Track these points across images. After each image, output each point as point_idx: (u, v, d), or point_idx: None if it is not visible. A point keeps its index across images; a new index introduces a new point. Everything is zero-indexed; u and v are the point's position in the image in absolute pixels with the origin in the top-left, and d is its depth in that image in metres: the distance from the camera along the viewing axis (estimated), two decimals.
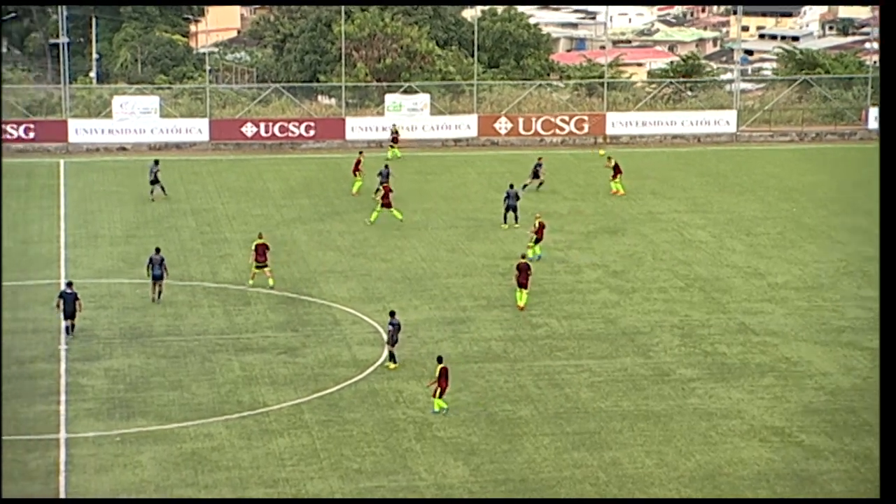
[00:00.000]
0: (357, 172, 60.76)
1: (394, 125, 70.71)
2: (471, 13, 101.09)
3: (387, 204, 54.83)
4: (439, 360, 35.97)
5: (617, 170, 60.55)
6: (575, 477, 32.00)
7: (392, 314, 39.06)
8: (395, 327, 38.67)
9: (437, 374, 35.51)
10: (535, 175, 61.02)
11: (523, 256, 45.72)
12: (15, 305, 43.67)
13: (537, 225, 49.92)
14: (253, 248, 46.21)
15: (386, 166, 59.68)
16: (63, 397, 36.01)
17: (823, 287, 47.34)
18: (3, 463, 31.75)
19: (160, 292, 44.18)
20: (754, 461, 32.91)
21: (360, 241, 52.73)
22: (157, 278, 44.07)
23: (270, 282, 46.00)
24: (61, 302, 40.79)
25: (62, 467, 31.85)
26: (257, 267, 45.71)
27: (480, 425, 34.82)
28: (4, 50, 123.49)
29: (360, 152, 64.43)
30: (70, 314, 40.68)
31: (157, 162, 60.48)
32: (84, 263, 48.98)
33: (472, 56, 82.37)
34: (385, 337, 39.31)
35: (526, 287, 44.16)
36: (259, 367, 38.64)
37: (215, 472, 31.89)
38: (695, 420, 35.28)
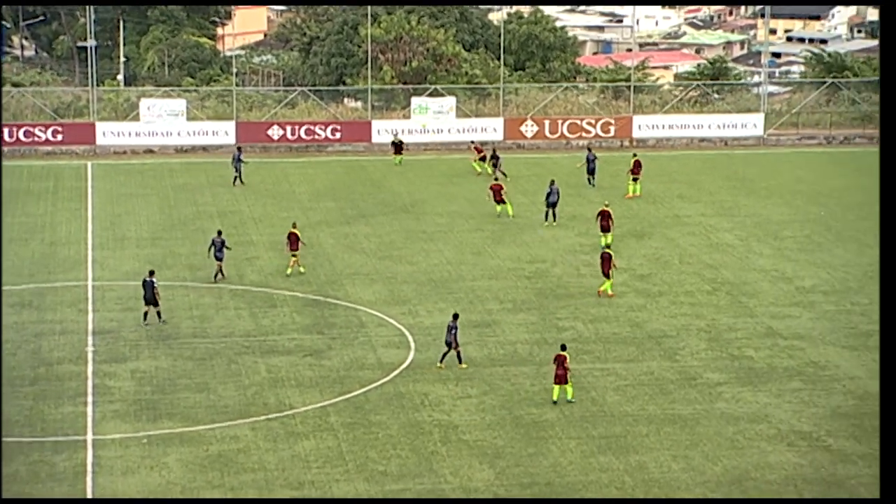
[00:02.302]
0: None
1: (396, 134, 70.48)
2: (497, 16, 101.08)
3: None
4: (562, 347, 36.56)
5: (636, 169, 60.42)
6: (601, 481, 31.89)
7: (455, 317, 39.13)
8: (455, 330, 38.73)
9: (556, 361, 36.09)
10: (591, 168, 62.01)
11: (608, 247, 47.71)
12: (42, 307, 43.87)
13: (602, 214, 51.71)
14: (287, 237, 47.95)
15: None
16: (90, 399, 36.12)
17: (851, 291, 47.08)
18: (31, 464, 31.90)
19: (220, 273, 46.67)
20: (781, 466, 32.74)
21: (386, 244, 52.74)
22: (218, 259, 46.60)
23: (301, 269, 47.78)
24: (142, 291, 42.39)
25: (89, 469, 31.94)
26: (292, 256, 47.91)
27: (506, 428, 34.76)
28: (32, 53, 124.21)
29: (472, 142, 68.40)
30: (150, 300, 41.89)
31: (240, 149, 63.33)
32: (111, 265, 49.15)
33: (499, 59, 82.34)
34: (447, 338, 38.99)
35: (608, 276, 45.63)
36: (285, 370, 38.69)
37: (241, 474, 31.94)
38: (722, 424, 35.12)
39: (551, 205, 55.64)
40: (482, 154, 66.22)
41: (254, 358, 39.67)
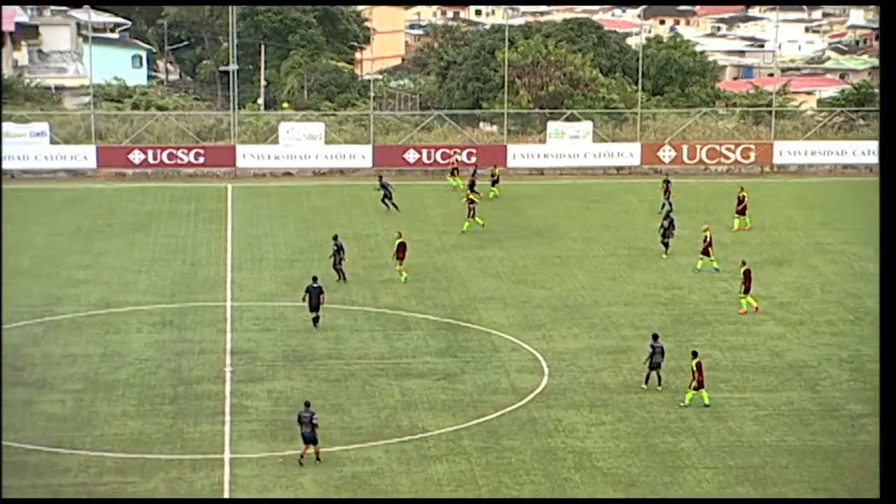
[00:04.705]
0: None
1: (454, 157, 70.28)
2: (635, 40, 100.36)
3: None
4: (694, 354, 37.44)
5: (742, 204, 59.09)
6: None
7: (655, 337, 38.98)
8: (657, 350, 38.67)
9: (694, 367, 36.99)
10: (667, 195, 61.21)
11: (743, 263, 47.52)
12: (183, 326, 44.60)
13: (706, 239, 51.77)
14: (395, 246, 49.91)
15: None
16: (228, 418, 36.54)
17: None
18: (170, 481, 32.35)
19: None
20: None
21: (520, 269, 52.56)
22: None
23: (404, 276, 49.48)
24: (307, 296, 43.54)
25: (226, 487, 32.26)
26: (399, 263, 49.52)
27: (641, 456, 34.26)
28: (176, 77, 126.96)
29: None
30: (315, 307, 43.28)
31: (381, 177, 63.87)
32: (249, 286, 49.80)
33: (637, 83, 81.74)
34: (646, 359, 38.89)
35: (747, 292, 46.31)
36: (418, 393, 38.70)
37: (375, 496, 31.95)
38: (864, 457, 34.13)
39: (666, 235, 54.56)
40: (455, 168, 68.40)
41: (387, 380, 39.78)
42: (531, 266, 52.93)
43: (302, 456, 33.43)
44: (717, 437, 35.49)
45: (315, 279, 44.53)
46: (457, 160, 69.88)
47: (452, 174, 68.18)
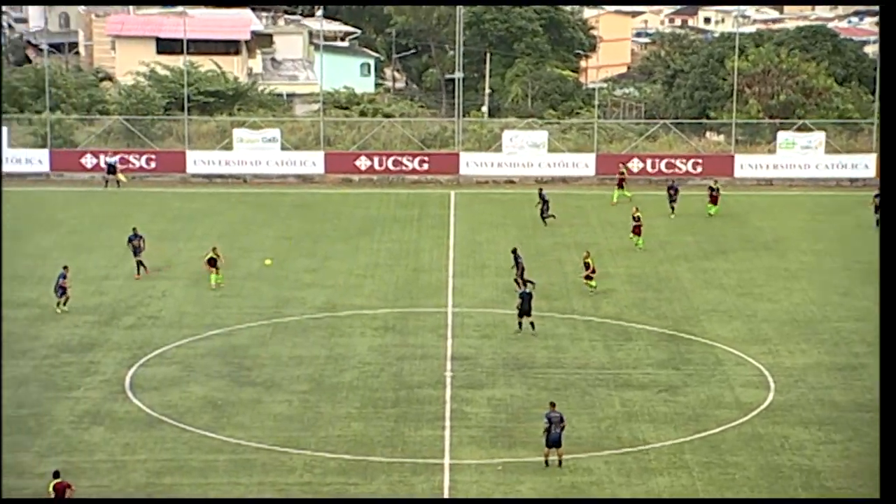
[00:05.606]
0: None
1: (623, 168, 68.44)
2: (873, 48, 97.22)
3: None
4: None
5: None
6: None
7: None
8: None
9: None
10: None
11: None
12: (405, 331, 45.08)
13: None
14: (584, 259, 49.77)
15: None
16: (447, 423, 36.67)
17: None
18: (391, 484, 32.65)
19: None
20: None
21: (746, 281, 51.37)
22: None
23: (590, 286, 49.36)
24: (520, 301, 44.10)
25: (446, 493, 32.36)
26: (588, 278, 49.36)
27: (873, 477, 32.92)
28: (402, 84, 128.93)
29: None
30: (526, 312, 43.97)
31: (541, 189, 62.99)
32: (469, 292, 50.02)
33: (873, 93, 79.05)
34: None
35: None
36: (639, 404, 38.15)
37: None
38: None
39: None
40: (622, 179, 66.91)
41: (608, 391, 39.34)
42: (758, 279, 51.68)
43: (546, 461, 33.31)
44: None
45: (526, 284, 44.46)
46: (626, 170, 68.32)
47: (620, 185, 66.64)
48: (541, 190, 62.87)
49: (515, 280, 48.98)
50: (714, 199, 63.27)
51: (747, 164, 71.65)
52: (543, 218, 61.25)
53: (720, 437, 35.64)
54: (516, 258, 49.61)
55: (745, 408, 37.78)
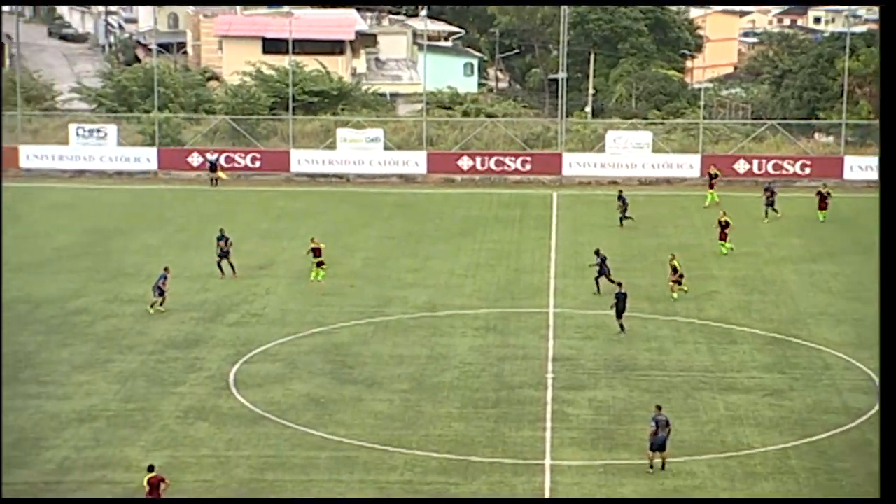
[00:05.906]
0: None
1: (712, 168, 67.17)
2: None
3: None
4: None
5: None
6: None
7: None
8: None
9: None
10: None
11: None
12: (506, 332, 44.96)
13: None
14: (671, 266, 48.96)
15: None
16: (548, 424, 36.48)
17: None
18: (492, 484, 32.56)
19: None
20: None
21: (855, 284, 50.45)
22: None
23: (678, 292, 48.34)
24: (616, 301, 44.02)
25: (547, 494, 32.19)
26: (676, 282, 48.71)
27: None
28: (505, 84, 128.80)
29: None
30: (620, 313, 43.98)
31: (621, 192, 62.50)
32: (571, 294, 49.76)
33: None
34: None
35: None
36: (744, 408, 37.61)
37: None
38: None
39: None
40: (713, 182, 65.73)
41: (712, 394, 38.86)
42: (866, 282, 50.67)
43: (651, 465, 32.98)
44: None
45: (620, 284, 44.79)
46: (718, 172, 67.17)
47: (711, 186, 65.58)
48: (621, 192, 62.43)
49: (610, 280, 48.59)
50: (824, 205, 62.06)
51: (857, 166, 70.36)
52: (621, 220, 60.74)
53: (827, 443, 35.01)
54: (602, 260, 49.21)
55: (853, 413, 37.07)
